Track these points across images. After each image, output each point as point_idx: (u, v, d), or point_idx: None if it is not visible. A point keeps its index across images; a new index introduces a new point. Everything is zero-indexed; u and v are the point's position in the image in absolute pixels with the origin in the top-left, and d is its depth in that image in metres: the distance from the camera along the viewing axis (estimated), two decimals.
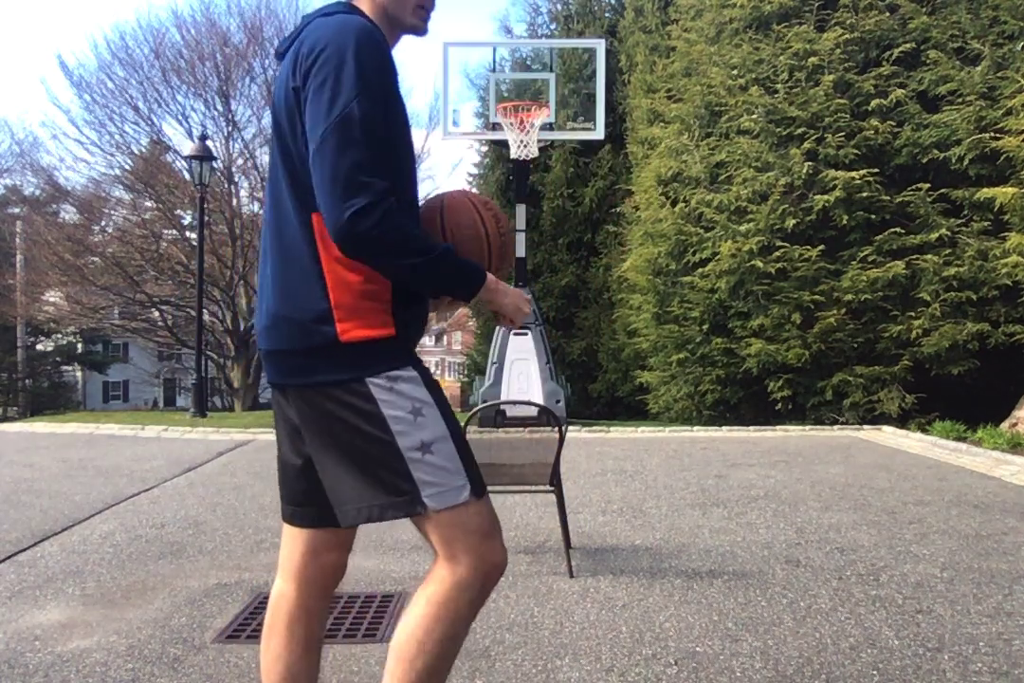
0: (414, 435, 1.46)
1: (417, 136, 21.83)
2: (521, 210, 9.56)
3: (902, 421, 8.40)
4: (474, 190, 18.40)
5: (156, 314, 21.74)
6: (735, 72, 9.81)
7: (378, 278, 1.44)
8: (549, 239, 15.33)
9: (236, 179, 20.31)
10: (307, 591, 1.65)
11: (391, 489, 1.46)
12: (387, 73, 1.43)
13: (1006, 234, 7.87)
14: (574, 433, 7.88)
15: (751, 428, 8.28)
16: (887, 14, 9.10)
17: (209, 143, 13.81)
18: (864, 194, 8.61)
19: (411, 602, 1.54)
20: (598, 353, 14.86)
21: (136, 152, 19.77)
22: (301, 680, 1.63)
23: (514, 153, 9.20)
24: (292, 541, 1.65)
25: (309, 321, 1.45)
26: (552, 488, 3.41)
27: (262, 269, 1.58)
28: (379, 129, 1.39)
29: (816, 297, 8.70)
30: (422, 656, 1.48)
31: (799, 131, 8.99)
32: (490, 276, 1.51)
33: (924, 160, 8.56)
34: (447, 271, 1.45)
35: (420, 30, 1.61)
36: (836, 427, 8.33)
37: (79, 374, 33.85)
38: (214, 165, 14.80)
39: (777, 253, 8.84)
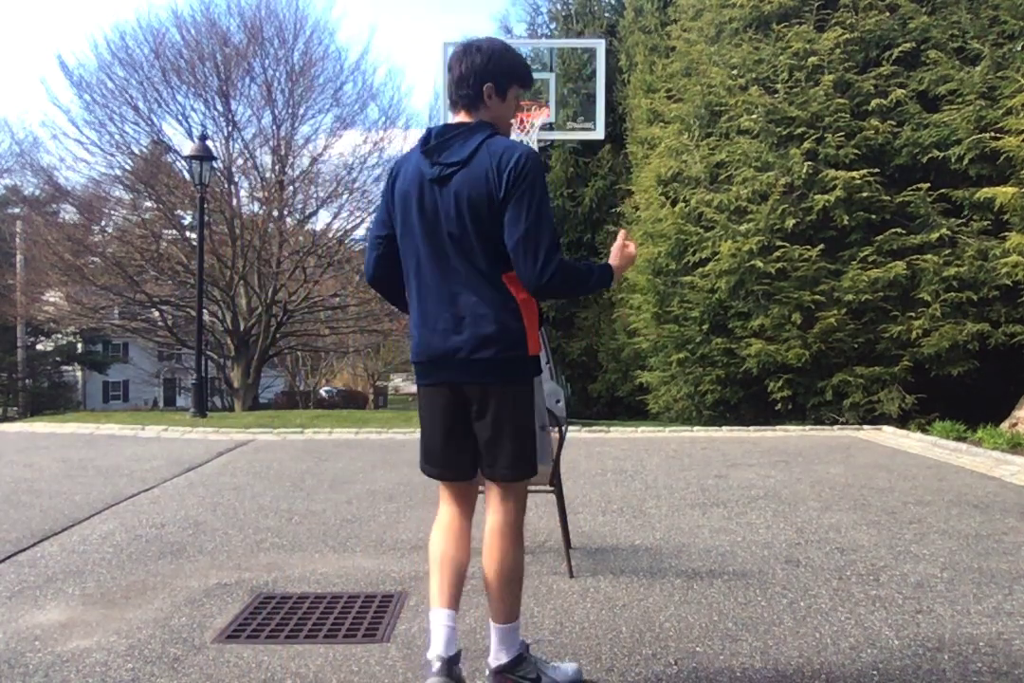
0: (540, 419, 2.29)
1: (418, 136, 21.73)
2: None
3: (902, 421, 8.40)
4: None
5: (156, 314, 21.70)
6: (735, 72, 9.81)
7: (536, 312, 2.22)
8: None
9: (236, 179, 20.31)
10: (469, 511, 2.35)
11: (529, 455, 2.21)
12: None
13: (1006, 234, 7.87)
14: (574, 433, 7.87)
15: (751, 428, 8.28)
16: (887, 14, 9.10)
17: (209, 143, 13.81)
18: (864, 194, 8.61)
19: (488, 541, 2.19)
20: (598, 353, 14.86)
21: (136, 152, 19.74)
22: (464, 562, 2.30)
23: None
24: (461, 492, 2.32)
25: (514, 340, 2.15)
26: (552, 488, 3.40)
27: (437, 300, 2.19)
28: (552, 219, 2.14)
29: (816, 297, 8.70)
30: (519, 570, 2.22)
31: (799, 131, 8.99)
32: (613, 267, 2.29)
33: (924, 160, 8.56)
34: (599, 281, 2.25)
35: (509, 134, 2.38)
36: (836, 427, 8.32)
37: (79, 374, 33.88)
38: (214, 165, 14.79)
39: (777, 253, 8.84)
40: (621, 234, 2.38)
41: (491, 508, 2.24)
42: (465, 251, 2.14)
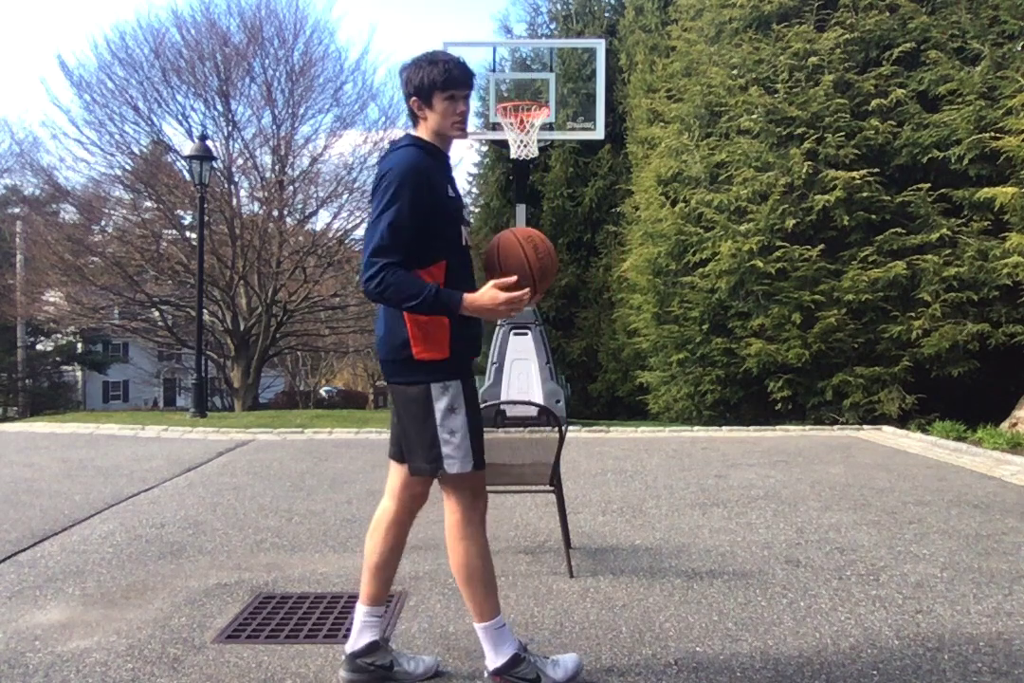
0: (447, 424, 2.26)
1: None
2: (521, 210, 9.55)
3: (902, 421, 8.39)
4: (474, 190, 18.41)
5: (156, 314, 21.68)
6: (735, 72, 9.81)
7: (439, 319, 2.21)
8: (549, 239, 15.33)
9: (236, 179, 20.28)
10: (401, 508, 2.43)
11: (429, 456, 2.27)
12: (418, 190, 2.18)
13: (1006, 234, 7.86)
14: (574, 433, 7.88)
15: (751, 428, 8.28)
16: (887, 14, 9.09)
17: (209, 143, 13.80)
18: (864, 194, 8.60)
19: (446, 540, 2.31)
20: (598, 353, 14.86)
21: (136, 152, 19.71)
22: (391, 566, 2.44)
23: (514, 153, 9.20)
24: (396, 474, 2.44)
25: (398, 343, 2.26)
26: (552, 488, 3.41)
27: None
28: (399, 228, 2.15)
29: (816, 297, 8.69)
30: (476, 568, 2.28)
31: (799, 131, 8.99)
32: (465, 299, 2.18)
33: (924, 160, 8.56)
34: (434, 305, 2.16)
35: (462, 136, 2.38)
36: (836, 427, 8.32)
37: (79, 374, 33.84)
38: (214, 165, 14.77)
39: (777, 253, 8.83)
40: (512, 279, 2.21)
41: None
42: None
